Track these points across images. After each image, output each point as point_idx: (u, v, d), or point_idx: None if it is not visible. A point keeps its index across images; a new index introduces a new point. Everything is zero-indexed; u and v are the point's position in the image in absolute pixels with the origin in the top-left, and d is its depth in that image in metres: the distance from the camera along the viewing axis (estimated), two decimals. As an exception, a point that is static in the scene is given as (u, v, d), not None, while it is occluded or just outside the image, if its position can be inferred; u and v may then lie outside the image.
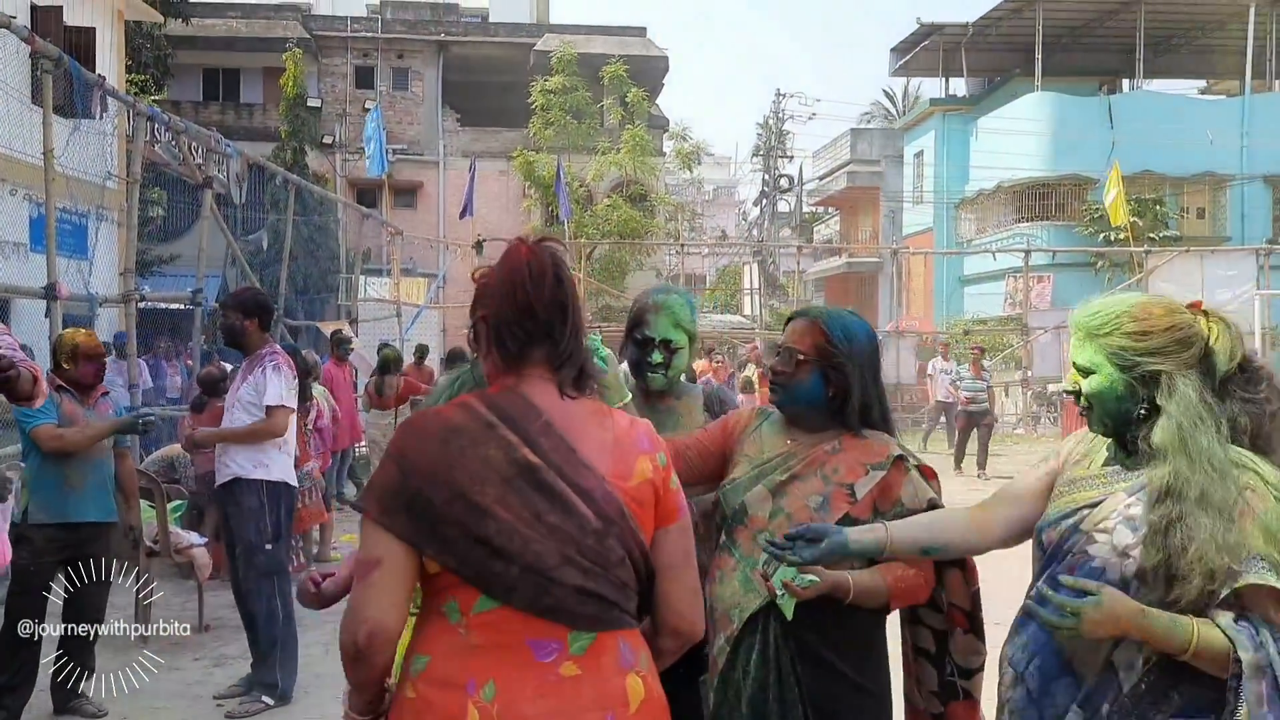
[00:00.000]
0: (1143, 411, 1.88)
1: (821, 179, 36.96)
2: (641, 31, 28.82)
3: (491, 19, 32.98)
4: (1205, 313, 1.93)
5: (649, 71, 27.41)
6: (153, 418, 5.01)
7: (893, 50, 32.71)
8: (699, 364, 16.03)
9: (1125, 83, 31.14)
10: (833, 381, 2.35)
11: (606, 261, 23.43)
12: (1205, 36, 29.20)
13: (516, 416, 1.64)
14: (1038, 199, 26.77)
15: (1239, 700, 1.67)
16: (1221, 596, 1.72)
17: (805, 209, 40.02)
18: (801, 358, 2.37)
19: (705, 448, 2.53)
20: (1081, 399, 1.96)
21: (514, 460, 1.61)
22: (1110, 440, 1.99)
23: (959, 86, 32.45)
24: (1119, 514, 1.86)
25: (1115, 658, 1.80)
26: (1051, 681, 1.88)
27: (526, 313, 1.68)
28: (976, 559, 2.31)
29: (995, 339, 23.14)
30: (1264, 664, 1.67)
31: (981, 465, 13.32)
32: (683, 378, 2.88)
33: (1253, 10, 26.03)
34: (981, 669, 2.36)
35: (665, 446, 1.80)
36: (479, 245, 19.71)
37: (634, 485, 1.68)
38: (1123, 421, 1.92)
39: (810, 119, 59.68)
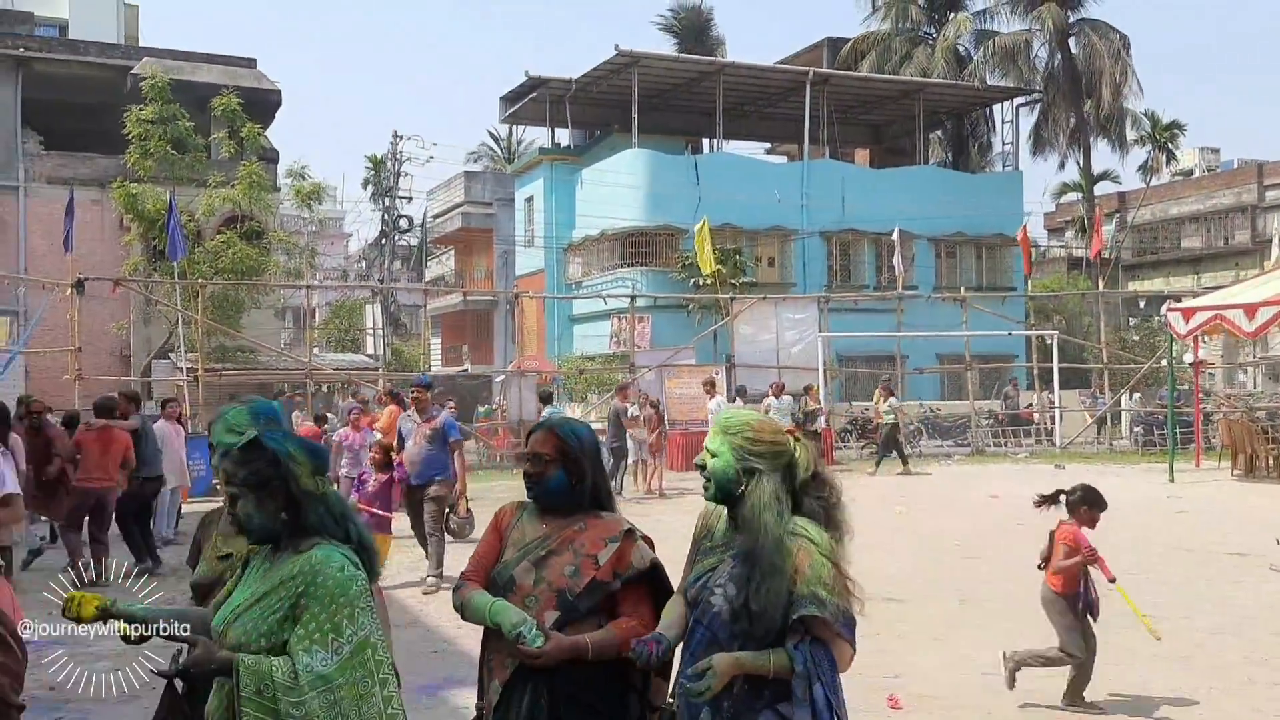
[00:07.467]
0: (740, 492, 2.74)
1: (436, 218, 37.67)
2: (252, 63, 27.93)
3: (73, 34, 30.35)
4: (796, 438, 2.83)
5: (260, 104, 26.61)
6: None
7: (502, 99, 34.38)
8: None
9: (706, 142, 35.05)
10: (572, 473, 3.00)
11: (220, 299, 22.37)
12: (770, 106, 33.75)
13: None
14: (636, 245, 29.39)
15: (796, 691, 2.61)
16: (791, 625, 2.60)
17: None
18: (548, 458, 3.00)
19: (493, 549, 3.05)
20: (704, 471, 2.82)
21: None
22: (725, 512, 2.83)
23: (563, 137, 34.72)
24: (727, 573, 2.72)
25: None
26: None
27: None
28: None
29: (603, 376, 25.09)
30: (803, 673, 2.59)
31: None
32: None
33: (807, 87, 30.61)
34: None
35: None
36: (80, 285, 18.20)
37: None
38: (727, 495, 2.77)
39: (428, 161, 60.20)
